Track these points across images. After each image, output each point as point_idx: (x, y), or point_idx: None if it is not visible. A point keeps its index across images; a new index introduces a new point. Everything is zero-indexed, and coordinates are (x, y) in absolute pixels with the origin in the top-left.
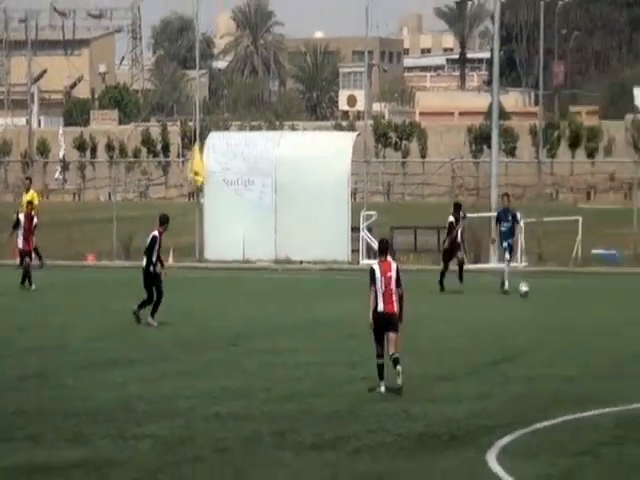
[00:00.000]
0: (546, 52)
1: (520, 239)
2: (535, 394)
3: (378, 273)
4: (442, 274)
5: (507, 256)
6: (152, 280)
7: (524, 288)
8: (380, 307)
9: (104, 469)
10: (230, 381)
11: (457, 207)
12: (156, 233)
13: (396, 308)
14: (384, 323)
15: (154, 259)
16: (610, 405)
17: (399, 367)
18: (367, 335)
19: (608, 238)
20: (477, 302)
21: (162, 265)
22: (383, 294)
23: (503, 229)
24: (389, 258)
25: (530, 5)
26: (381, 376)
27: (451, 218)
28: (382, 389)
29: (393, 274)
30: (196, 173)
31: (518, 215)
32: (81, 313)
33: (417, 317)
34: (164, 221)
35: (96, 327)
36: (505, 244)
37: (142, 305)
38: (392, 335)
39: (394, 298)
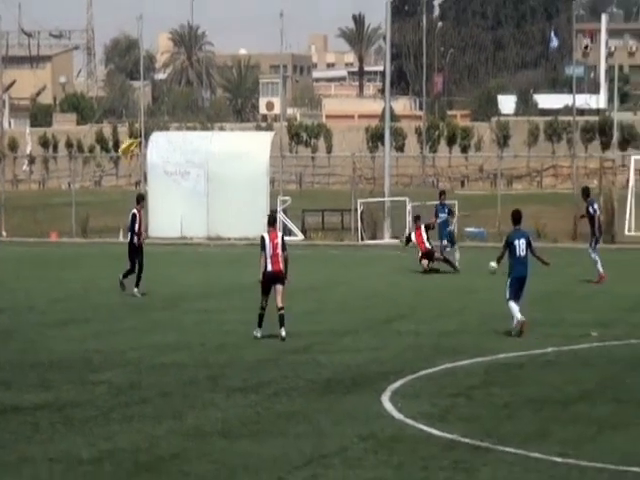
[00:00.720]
0: (428, 66)
1: (408, 219)
2: (421, 346)
3: (267, 240)
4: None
5: (445, 242)
6: (135, 252)
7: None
8: (269, 267)
9: (66, 409)
10: (171, 336)
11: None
12: (134, 211)
13: (282, 267)
14: (273, 279)
15: (136, 233)
16: (480, 355)
17: (283, 330)
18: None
19: (478, 218)
20: (375, 271)
21: (140, 237)
22: (271, 257)
23: (439, 221)
24: (276, 228)
25: (415, 28)
26: (260, 324)
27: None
28: (258, 335)
29: (279, 241)
30: (123, 151)
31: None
32: (44, 280)
33: (326, 284)
34: (140, 199)
35: (57, 292)
36: (445, 233)
37: (126, 274)
38: (279, 287)
39: (280, 260)
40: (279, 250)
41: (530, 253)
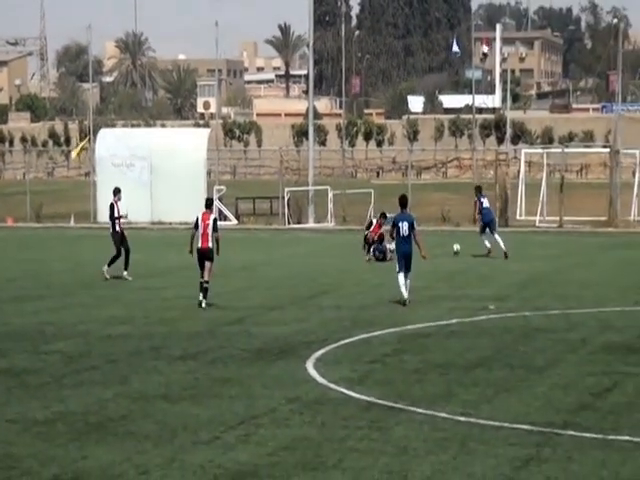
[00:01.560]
0: (347, 70)
1: (330, 206)
2: (341, 318)
3: (200, 221)
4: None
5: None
6: (118, 239)
7: (456, 247)
8: (199, 244)
9: (22, 376)
10: (117, 311)
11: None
12: (112, 202)
13: (211, 245)
14: (202, 256)
15: (116, 222)
16: (393, 326)
17: (204, 299)
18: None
19: (392, 205)
20: (300, 252)
21: (118, 219)
22: (201, 235)
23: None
24: (211, 211)
25: (334, 36)
26: (201, 292)
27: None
28: (202, 303)
29: (210, 222)
30: (77, 154)
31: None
32: (1, 261)
33: (256, 264)
34: (116, 192)
35: (13, 271)
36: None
37: (112, 261)
38: (207, 264)
39: (208, 238)
40: (209, 230)
41: (413, 235)
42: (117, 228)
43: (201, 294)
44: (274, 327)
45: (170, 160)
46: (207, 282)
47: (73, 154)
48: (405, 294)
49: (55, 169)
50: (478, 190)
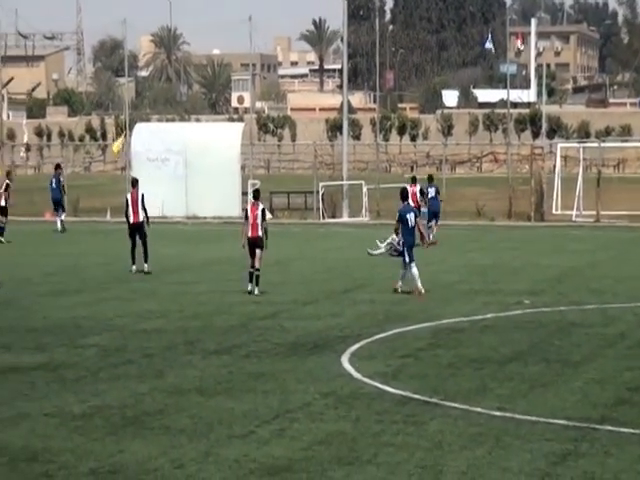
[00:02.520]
0: (381, 64)
1: (364, 200)
2: (375, 313)
3: (249, 212)
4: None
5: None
6: (132, 231)
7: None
8: (249, 234)
9: (59, 370)
10: (152, 305)
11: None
12: (127, 195)
13: (260, 234)
14: (252, 244)
15: (129, 214)
16: (427, 321)
17: (256, 286)
18: (236, 281)
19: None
20: (334, 246)
21: (132, 217)
22: (251, 225)
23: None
24: (258, 203)
25: (369, 30)
26: (250, 280)
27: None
28: (249, 288)
29: (258, 213)
30: (117, 151)
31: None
32: (40, 255)
33: (288, 258)
34: (134, 183)
35: (50, 266)
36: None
37: (132, 254)
38: (258, 251)
39: (258, 228)
40: (258, 220)
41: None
42: (130, 221)
43: (250, 284)
44: (308, 321)
45: (204, 155)
46: (258, 270)
47: (114, 149)
48: (420, 285)
49: (92, 164)
50: (429, 180)
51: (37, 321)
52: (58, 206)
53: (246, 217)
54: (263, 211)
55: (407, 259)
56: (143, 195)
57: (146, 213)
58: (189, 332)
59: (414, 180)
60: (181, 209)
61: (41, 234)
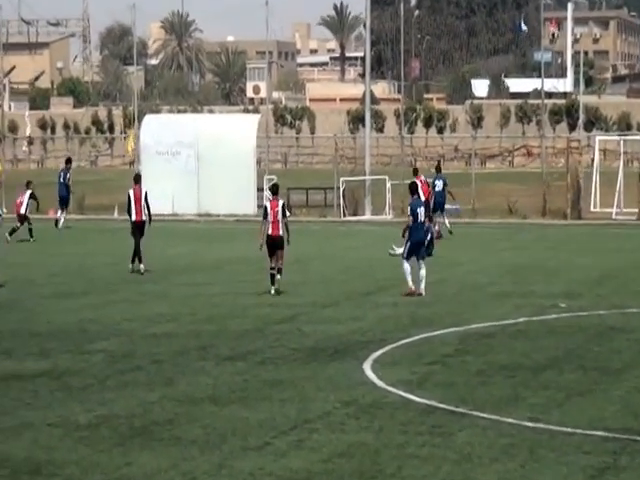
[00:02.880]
0: (406, 52)
1: (388, 196)
2: (399, 316)
3: (269, 209)
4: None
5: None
6: (133, 229)
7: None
8: (269, 232)
9: (64, 377)
10: (162, 307)
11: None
12: (130, 191)
13: (281, 232)
14: (273, 243)
15: (132, 212)
16: (455, 325)
17: (279, 276)
18: (258, 282)
19: (454, 195)
20: (355, 246)
21: (136, 215)
22: (271, 223)
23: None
24: (278, 198)
25: (393, 16)
26: (272, 282)
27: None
28: (272, 292)
29: (279, 209)
30: (130, 148)
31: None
32: (43, 255)
33: (306, 257)
34: (137, 179)
35: (55, 266)
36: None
37: (133, 256)
38: (279, 251)
39: (280, 226)
40: (279, 217)
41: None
42: (132, 219)
43: (273, 286)
44: (328, 325)
45: (218, 148)
46: (279, 270)
47: (128, 147)
48: (419, 285)
49: (98, 158)
50: (437, 170)
51: (41, 325)
52: (62, 203)
53: (265, 215)
54: (284, 207)
55: (405, 254)
56: (147, 193)
57: (149, 211)
58: (201, 337)
59: (416, 172)
60: (193, 206)
61: (45, 232)
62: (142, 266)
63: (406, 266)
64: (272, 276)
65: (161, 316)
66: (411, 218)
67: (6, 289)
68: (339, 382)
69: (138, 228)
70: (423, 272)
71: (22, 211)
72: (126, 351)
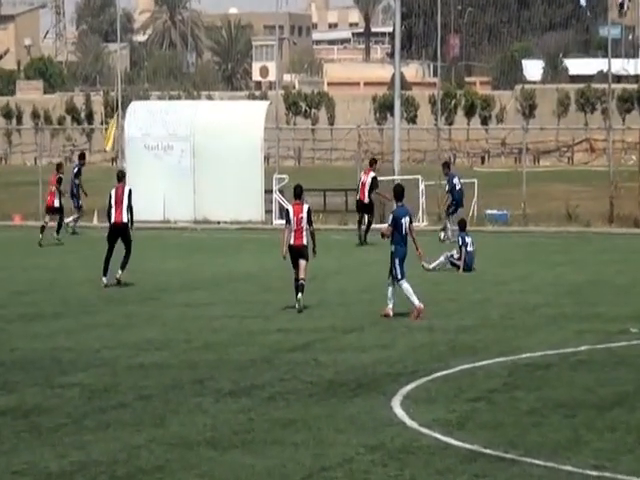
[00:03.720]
0: (443, 27)
1: (421, 200)
2: (435, 344)
3: (292, 214)
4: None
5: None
6: (112, 234)
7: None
8: (292, 241)
9: (32, 416)
10: (151, 333)
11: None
12: (112, 191)
13: (304, 242)
14: (296, 253)
15: (111, 214)
16: (503, 354)
17: (300, 295)
18: (281, 288)
19: (500, 199)
20: (382, 259)
21: (115, 216)
22: (294, 231)
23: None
24: (302, 201)
25: None
26: (297, 294)
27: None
28: (297, 307)
29: (304, 215)
30: (109, 143)
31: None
32: (6, 270)
33: (324, 273)
34: (120, 177)
35: (22, 282)
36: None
37: (105, 263)
38: (302, 262)
39: (303, 234)
40: (303, 224)
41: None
42: (111, 221)
43: (298, 294)
44: (350, 354)
45: (218, 141)
46: (303, 279)
47: (107, 145)
48: (419, 303)
49: (74, 153)
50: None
51: (4, 354)
52: (76, 205)
53: (288, 220)
54: (309, 212)
55: (399, 275)
56: (130, 191)
57: (131, 214)
58: (198, 368)
59: (373, 162)
60: (188, 211)
61: (9, 242)
62: (120, 272)
63: (405, 285)
64: (296, 286)
65: (150, 343)
66: (390, 228)
67: None
68: (363, 422)
69: (117, 231)
70: (392, 290)
71: (56, 204)
72: (107, 385)
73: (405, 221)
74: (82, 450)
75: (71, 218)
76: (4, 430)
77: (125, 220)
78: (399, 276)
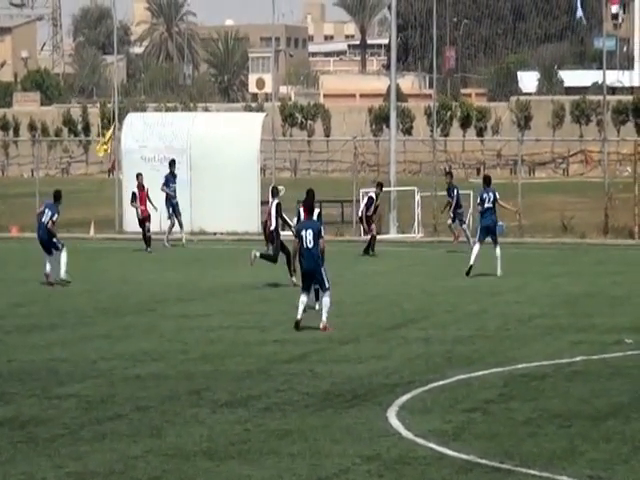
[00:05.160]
0: (439, 39)
1: (417, 211)
2: (431, 354)
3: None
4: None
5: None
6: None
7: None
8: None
9: (29, 427)
10: (148, 344)
11: (380, 185)
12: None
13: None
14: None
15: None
16: (499, 365)
17: (317, 304)
18: (277, 299)
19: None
20: (378, 270)
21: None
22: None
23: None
24: (314, 211)
25: None
26: (316, 297)
27: (372, 193)
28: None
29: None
30: (101, 147)
31: (455, 190)
32: (3, 281)
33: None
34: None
35: (19, 294)
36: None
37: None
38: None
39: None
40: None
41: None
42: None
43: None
44: (346, 365)
45: (214, 153)
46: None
47: (99, 151)
48: (300, 315)
49: (71, 165)
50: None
51: (0, 365)
52: (177, 214)
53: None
54: (319, 217)
55: (326, 284)
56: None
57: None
58: (195, 379)
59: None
60: (184, 222)
61: (5, 254)
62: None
63: (303, 297)
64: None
65: (146, 354)
66: (296, 240)
67: None
68: (359, 433)
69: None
70: (326, 301)
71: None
72: (104, 396)
73: (307, 234)
74: (79, 461)
75: (183, 235)
76: (1, 441)
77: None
78: (327, 285)
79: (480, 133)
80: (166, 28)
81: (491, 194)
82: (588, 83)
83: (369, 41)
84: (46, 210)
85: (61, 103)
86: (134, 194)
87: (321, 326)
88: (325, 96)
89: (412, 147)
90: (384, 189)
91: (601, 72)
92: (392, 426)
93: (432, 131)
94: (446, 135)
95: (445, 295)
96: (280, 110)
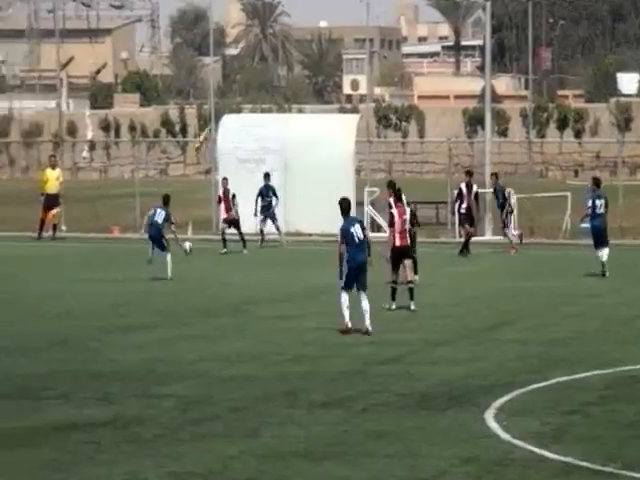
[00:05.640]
0: (534, 39)
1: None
2: (528, 356)
3: (396, 217)
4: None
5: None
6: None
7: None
8: (397, 242)
9: (131, 427)
10: (243, 345)
11: (468, 173)
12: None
13: (408, 242)
14: (400, 254)
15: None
16: (600, 367)
17: (413, 304)
18: (371, 300)
19: None
20: (470, 271)
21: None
22: (399, 232)
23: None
24: (404, 204)
25: None
26: (393, 297)
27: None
28: (393, 307)
29: (407, 217)
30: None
31: (506, 192)
32: (104, 281)
33: (418, 286)
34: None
35: (117, 295)
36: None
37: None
38: (407, 262)
39: (407, 235)
40: (406, 226)
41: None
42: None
43: (393, 302)
44: (442, 367)
45: (309, 154)
46: (412, 282)
47: (195, 147)
48: (348, 322)
49: (169, 165)
50: (596, 184)
51: (101, 365)
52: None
53: (392, 223)
54: (412, 214)
55: (342, 283)
56: (412, 211)
57: (414, 236)
58: (289, 380)
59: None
60: (280, 224)
61: (107, 255)
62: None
63: (344, 298)
64: (394, 291)
65: (241, 355)
66: (344, 241)
67: (62, 322)
68: (456, 435)
69: (403, 254)
70: (365, 305)
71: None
72: (201, 396)
73: (355, 229)
74: (178, 461)
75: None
76: (104, 440)
77: (408, 242)
78: (341, 284)
79: (578, 135)
80: (261, 29)
81: (603, 200)
82: None
83: (463, 42)
84: (158, 210)
85: (159, 104)
86: (220, 198)
87: (370, 330)
88: (419, 97)
89: (507, 149)
90: (478, 190)
91: None
92: (490, 428)
93: (528, 133)
94: (542, 137)
95: (540, 296)
96: (374, 111)
